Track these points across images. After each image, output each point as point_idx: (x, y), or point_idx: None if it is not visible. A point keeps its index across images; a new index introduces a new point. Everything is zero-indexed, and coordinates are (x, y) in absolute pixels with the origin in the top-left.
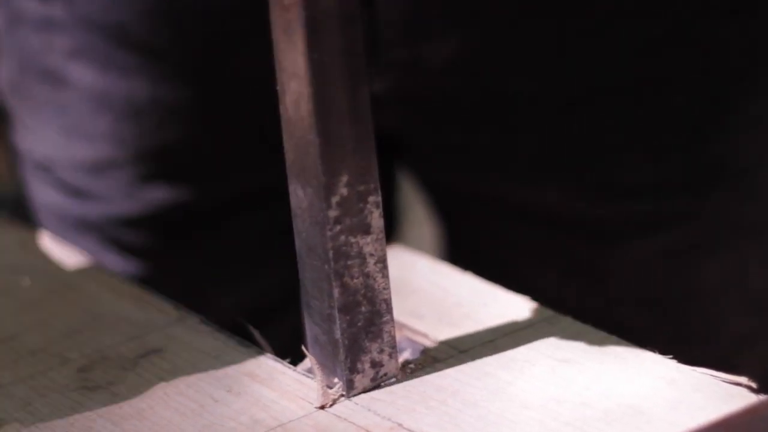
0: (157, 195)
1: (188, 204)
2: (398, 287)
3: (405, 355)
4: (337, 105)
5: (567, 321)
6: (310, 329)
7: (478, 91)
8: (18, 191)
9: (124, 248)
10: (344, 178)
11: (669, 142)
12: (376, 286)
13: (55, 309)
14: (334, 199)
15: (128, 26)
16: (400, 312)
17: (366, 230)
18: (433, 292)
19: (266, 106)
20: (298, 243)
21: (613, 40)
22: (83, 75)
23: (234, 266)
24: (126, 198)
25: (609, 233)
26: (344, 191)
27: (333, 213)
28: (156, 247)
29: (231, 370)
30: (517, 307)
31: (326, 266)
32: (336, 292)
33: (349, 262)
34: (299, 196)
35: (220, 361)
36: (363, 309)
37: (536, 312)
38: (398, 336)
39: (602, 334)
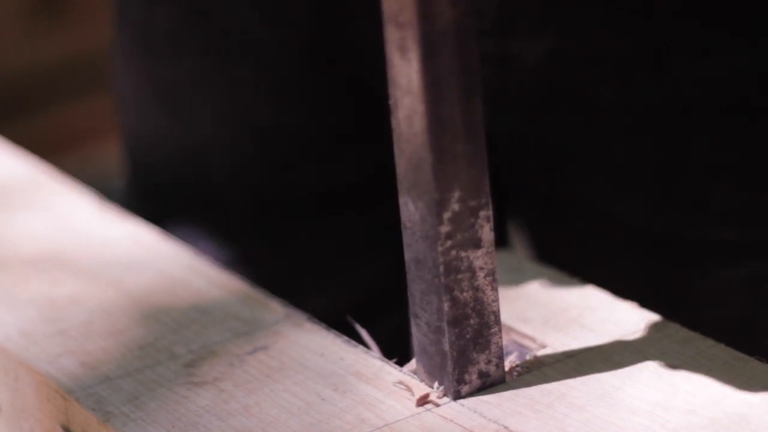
0: (292, 170)
1: (312, 185)
2: (505, 291)
3: (511, 359)
4: (451, 122)
5: (674, 327)
6: (418, 339)
7: (568, 95)
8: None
9: (253, 223)
10: (456, 194)
11: (763, 170)
12: (485, 299)
13: (164, 304)
14: (446, 215)
15: None
16: (506, 316)
17: (477, 244)
18: (539, 295)
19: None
20: (407, 254)
21: (716, 61)
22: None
23: (355, 252)
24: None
25: (693, 258)
26: (456, 207)
27: (444, 228)
28: (287, 225)
29: (337, 369)
30: (624, 312)
31: (436, 280)
32: (446, 305)
33: (459, 276)
34: (410, 210)
35: (326, 360)
36: (472, 322)
37: (643, 318)
38: (505, 339)
39: (710, 341)
